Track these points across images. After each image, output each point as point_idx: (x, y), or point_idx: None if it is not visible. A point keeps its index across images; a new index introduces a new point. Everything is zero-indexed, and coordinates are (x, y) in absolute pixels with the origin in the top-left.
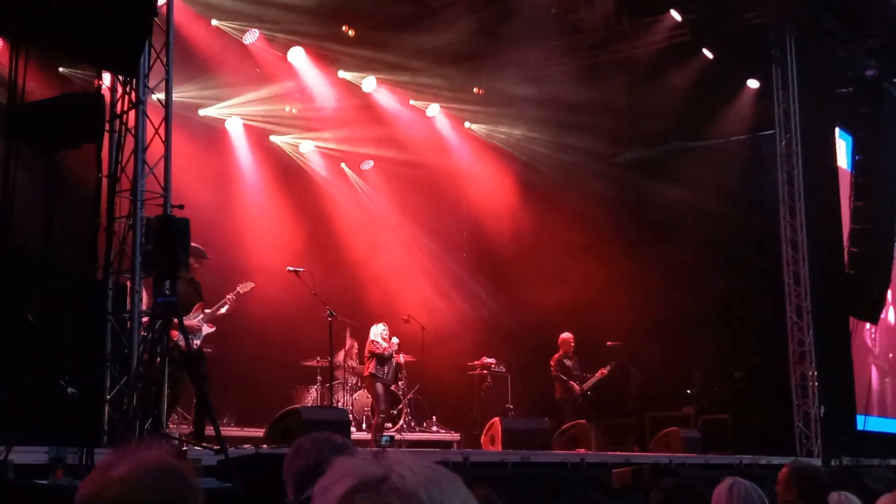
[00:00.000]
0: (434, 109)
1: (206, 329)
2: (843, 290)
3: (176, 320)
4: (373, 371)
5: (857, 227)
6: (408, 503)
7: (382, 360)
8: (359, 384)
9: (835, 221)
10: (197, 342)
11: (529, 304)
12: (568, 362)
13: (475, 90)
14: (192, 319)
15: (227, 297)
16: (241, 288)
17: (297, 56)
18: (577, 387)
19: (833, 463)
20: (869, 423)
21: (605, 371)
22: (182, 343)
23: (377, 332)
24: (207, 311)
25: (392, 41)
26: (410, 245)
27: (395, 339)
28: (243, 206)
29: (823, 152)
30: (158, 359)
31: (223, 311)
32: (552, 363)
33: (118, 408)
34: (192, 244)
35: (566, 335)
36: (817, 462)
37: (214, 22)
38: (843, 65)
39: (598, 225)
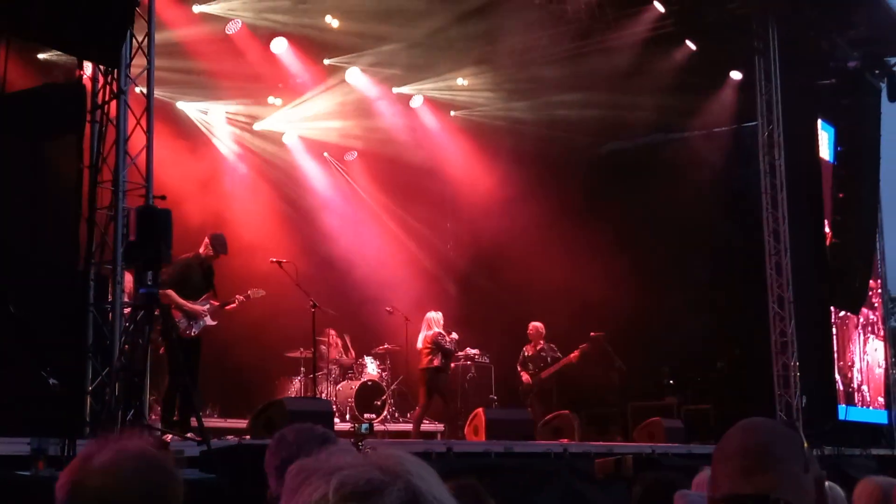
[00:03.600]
0: (418, 100)
1: (209, 321)
2: (825, 280)
3: (183, 301)
4: (438, 365)
5: (839, 218)
6: (394, 489)
7: (447, 353)
8: (343, 375)
9: (817, 212)
10: (196, 331)
11: (513, 295)
12: (528, 352)
13: (459, 81)
14: (201, 305)
15: (238, 297)
16: (253, 293)
17: (280, 46)
18: (525, 376)
19: (815, 453)
20: (850, 412)
21: (570, 358)
22: (182, 325)
23: (440, 321)
24: (215, 303)
25: (376, 32)
26: (395, 235)
27: (454, 335)
28: (225, 197)
29: (806, 144)
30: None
31: (229, 307)
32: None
33: (100, 399)
34: (218, 234)
35: (531, 325)
36: None
37: (197, 8)
38: (826, 56)
39: (582, 215)
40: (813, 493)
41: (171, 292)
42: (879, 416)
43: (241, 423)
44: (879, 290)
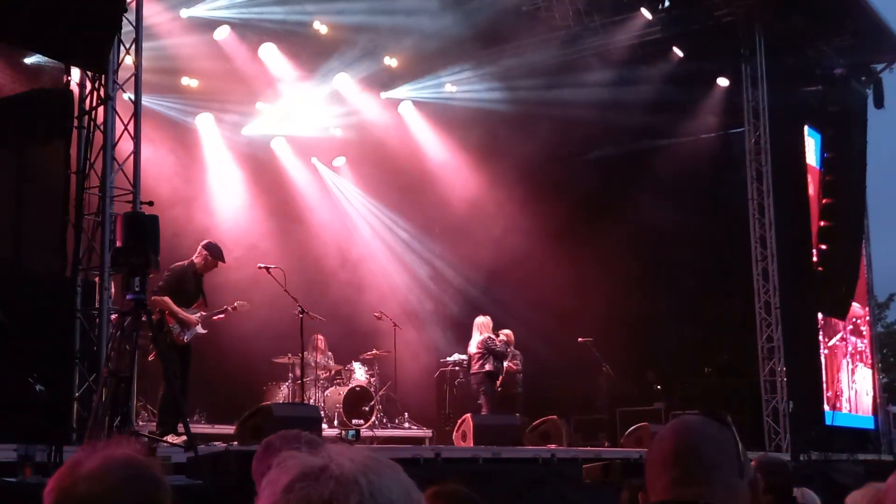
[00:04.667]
0: (407, 105)
1: (200, 329)
2: (812, 286)
3: (178, 309)
4: (490, 369)
5: (826, 225)
6: (346, 489)
7: (499, 356)
8: (331, 381)
9: (803, 218)
10: (187, 338)
11: (503, 301)
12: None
13: (447, 87)
14: (192, 314)
15: (226, 307)
16: (239, 306)
17: (269, 51)
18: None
19: (802, 458)
20: (837, 418)
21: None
22: (175, 331)
23: (489, 325)
24: (205, 313)
25: (364, 38)
26: (383, 242)
27: (503, 337)
28: (213, 203)
29: (792, 150)
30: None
31: (215, 318)
32: None
33: (87, 405)
34: (213, 243)
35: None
36: (785, 457)
37: (185, 13)
38: (812, 63)
39: (571, 222)
40: (748, 497)
41: (166, 299)
42: (866, 422)
43: (229, 429)
44: (868, 318)
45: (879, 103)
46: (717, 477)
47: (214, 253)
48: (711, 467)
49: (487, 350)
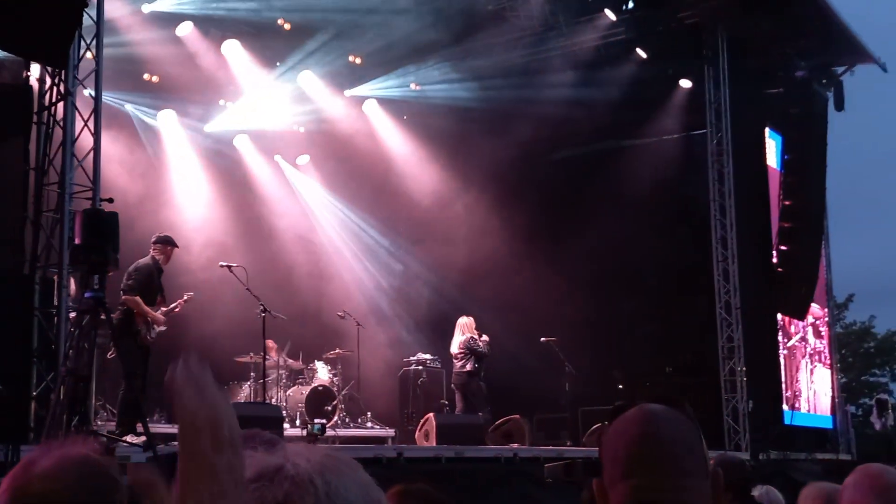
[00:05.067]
0: (371, 103)
1: (162, 326)
2: (772, 287)
3: (148, 309)
4: (471, 370)
5: (786, 226)
6: (301, 490)
7: (481, 357)
8: (293, 380)
9: (764, 220)
10: (152, 336)
11: (466, 301)
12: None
13: (412, 86)
14: (157, 311)
15: (180, 301)
16: (189, 297)
17: (232, 48)
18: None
19: (761, 457)
20: (796, 417)
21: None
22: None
23: (471, 325)
24: (165, 309)
25: (328, 35)
26: (348, 241)
27: (485, 337)
28: (174, 200)
29: (754, 152)
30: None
31: (175, 312)
32: None
33: (45, 404)
34: (162, 235)
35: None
36: (745, 456)
37: (147, 8)
38: (774, 65)
39: (535, 222)
40: (710, 495)
41: (138, 299)
42: (825, 421)
43: None
44: (827, 319)
45: (840, 106)
46: (691, 485)
47: (169, 241)
48: (687, 474)
49: (469, 350)
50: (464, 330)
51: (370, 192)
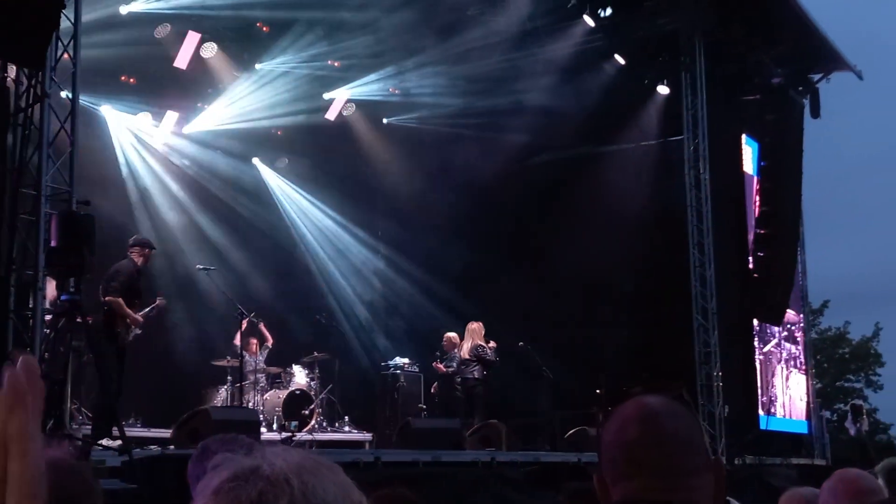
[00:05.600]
0: (349, 106)
1: (138, 329)
2: (748, 292)
3: (129, 311)
4: (478, 376)
5: (762, 232)
6: (276, 489)
7: (487, 364)
8: (270, 384)
9: (740, 225)
10: (130, 338)
11: (444, 306)
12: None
13: (391, 89)
14: (138, 314)
15: (154, 304)
16: (160, 301)
17: (210, 51)
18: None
19: (736, 462)
20: (771, 423)
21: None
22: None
23: (480, 332)
24: (143, 311)
25: (308, 38)
26: (328, 245)
27: (492, 344)
28: (152, 203)
29: (730, 158)
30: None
31: (151, 315)
32: None
33: None
34: (139, 237)
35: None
36: (721, 461)
37: (124, 9)
38: (751, 72)
39: (512, 226)
40: (713, 486)
41: (121, 301)
42: (800, 426)
43: (166, 433)
44: (802, 324)
45: (816, 113)
46: (695, 485)
47: (147, 244)
48: (691, 473)
49: (477, 358)
50: (473, 337)
51: (349, 196)
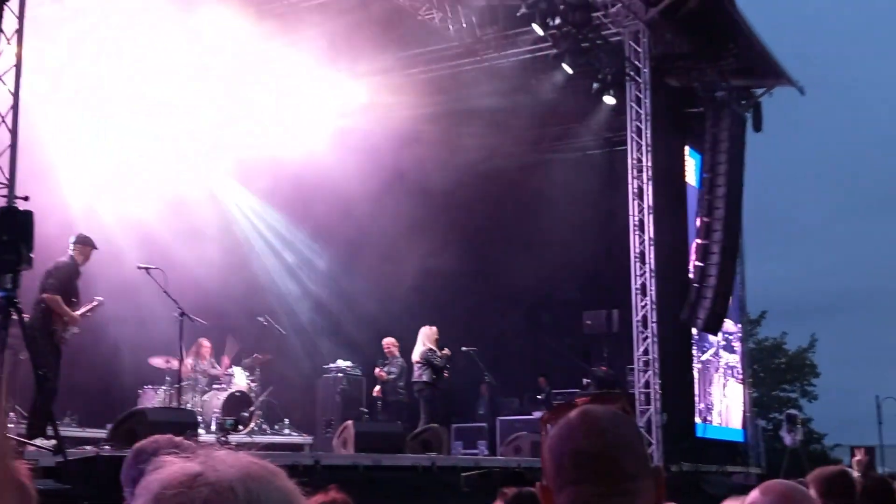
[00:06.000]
0: (304, 109)
1: (76, 328)
2: (687, 302)
3: (67, 309)
4: (427, 380)
5: (703, 242)
6: (221, 496)
7: (437, 369)
8: (210, 385)
9: (681, 236)
10: (67, 337)
11: (388, 310)
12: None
13: (338, 92)
14: (77, 313)
15: (92, 304)
16: (97, 300)
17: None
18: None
19: (673, 469)
20: (708, 430)
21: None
22: (59, 333)
23: (431, 336)
24: (80, 310)
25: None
26: (272, 247)
27: (445, 350)
28: (93, 199)
29: (673, 169)
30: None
31: (88, 315)
32: None
33: None
34: (81, 234)
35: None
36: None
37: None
38: (696, 85)
39: (459, 233)
40: (653, 493)
41: (58, 298)
42: (736, 435)
43: (101, 433)
44: (740, 334)
45: (758, 127)
46: (636, 488)
47: (88, 242)
48: (633, 477)
49: (426, 362)
50: (424, 341)
51: (294, 199)
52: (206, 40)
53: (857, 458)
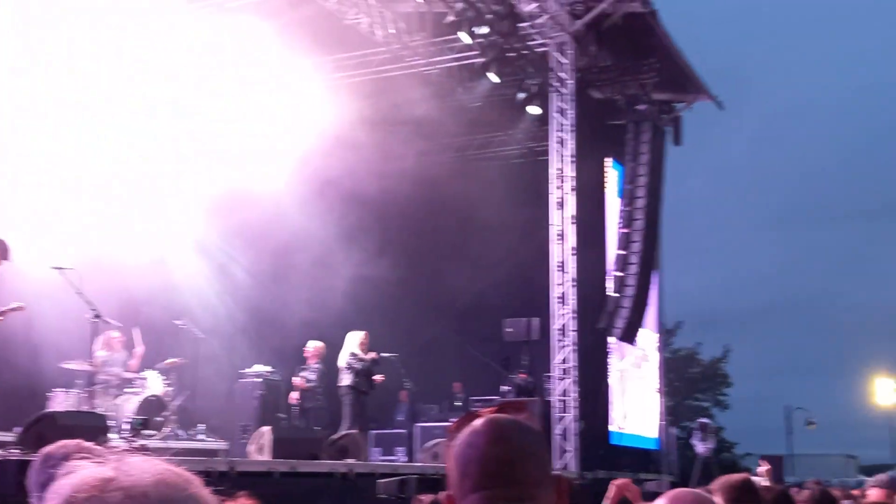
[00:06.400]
0: (231, 112)
1: None
2: (606, 311)
3: None
4: (349, 384)
5: (622, 253)
6: (134, 502)
7: (359, 373)
8: (122, 388)
9: (601, 246)
10: None
11: (308, 318)
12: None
13: (268, 96)
14: None
15: (8, 308)
16: (16, 305)
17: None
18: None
19: (587, 476)
20: (623, 438)
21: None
22: None
23: (356, 340)
24: None
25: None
26: (190, 248)
27: (371, 354)
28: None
29: (595, 180)
30: None
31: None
32: None
33: None
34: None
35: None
36: (573, 475)
37: None
38: (619, 98)
39: (382, 239)
40: (555, 501)
41: None
42: (649, 443)
43: (8, 437)
44: (656, 344)
45: (678, 140)
46: (539, 496)
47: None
48: (538, 484)
49: (349, 367)
50: (349, 345)
51: (221, 202)
52: (125, 33)
53: (764, 467)
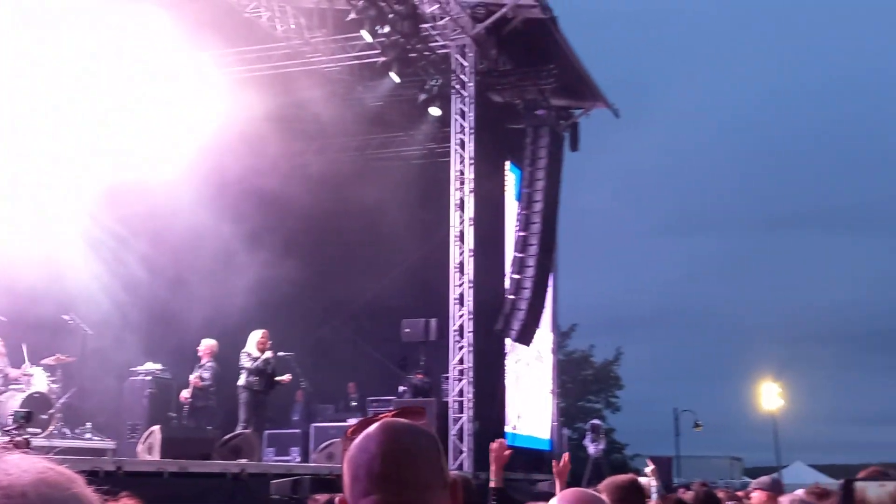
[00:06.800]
0: (129, 106)
1: None
2: (503, 313)
3: None
4: (243, 383)
5: (520, 256)
6: (13, 503)
7: (252, 372)
8: (6, 385)
9: (499, 248)
10: None
11: (202, 314)
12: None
13: (166, 88)
14: None
15: None
16: None
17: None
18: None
19: (481, 476)
20: (517, 439)
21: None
22: None
23: (254, 340)
24: None
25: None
26: (80, 240)
27: (267, 353)
28: None
29: (493, 182)
30: None
31: None
32: None
33: None
34: None
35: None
36: (468, 475)
37: None
38: (518, 102)
39: (284, 238)
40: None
41: None
42: (543, 444)
43: None
44: (551, 346)
45: (574, 146)
46: (430, 498)
47: None
48: (427, 487)
49: (242, 365)
50: (247, 344)
51: (108, 194)
52: (14, 22)
53: (650, 467)
